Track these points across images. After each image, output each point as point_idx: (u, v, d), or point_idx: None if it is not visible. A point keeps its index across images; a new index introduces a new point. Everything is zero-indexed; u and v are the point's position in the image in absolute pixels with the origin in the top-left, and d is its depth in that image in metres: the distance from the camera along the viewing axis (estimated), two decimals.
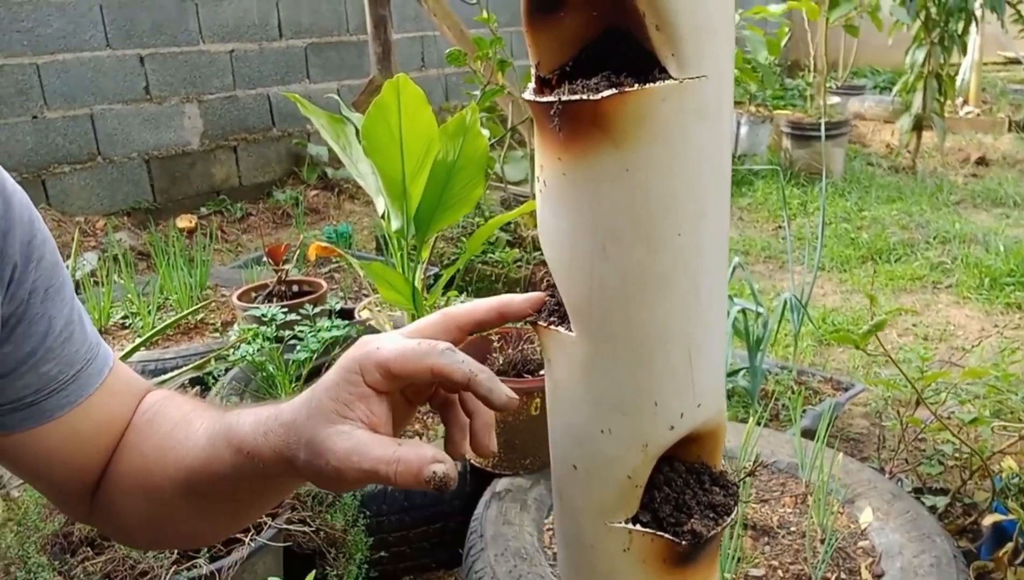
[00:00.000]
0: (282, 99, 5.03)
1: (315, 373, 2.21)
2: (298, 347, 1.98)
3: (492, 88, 2.56)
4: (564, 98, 0.53)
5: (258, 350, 1.90)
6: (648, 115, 0.52)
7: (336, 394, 0.51)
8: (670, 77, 0.51)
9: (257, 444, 0.54)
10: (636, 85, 0.51)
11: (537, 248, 3.20)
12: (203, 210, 4.59)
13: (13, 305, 0.57)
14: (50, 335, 0.59)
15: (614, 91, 0.51)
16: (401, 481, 0.48)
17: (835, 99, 5.97)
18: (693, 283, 0.57)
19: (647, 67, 0.54)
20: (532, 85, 0.59)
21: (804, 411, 2.07)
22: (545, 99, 0.55)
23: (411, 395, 0.57)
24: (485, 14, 2.60)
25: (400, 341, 0.53)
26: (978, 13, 5.17)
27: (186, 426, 0.61)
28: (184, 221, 4.26)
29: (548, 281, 0.66)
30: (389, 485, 0.51)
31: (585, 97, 0.52)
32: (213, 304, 2.70)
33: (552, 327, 0.63)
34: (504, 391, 0.53)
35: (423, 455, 0.48)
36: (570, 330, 0.60)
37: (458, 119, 1.96)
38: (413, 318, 2.19)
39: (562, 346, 0.61)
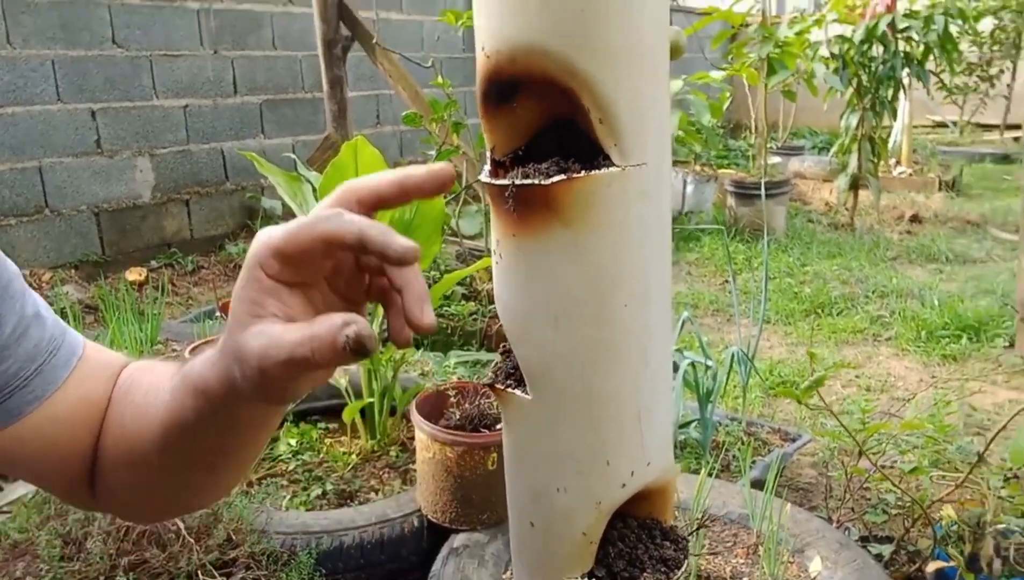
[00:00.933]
0: (236, 153, 5.04)
1: None
2: None
3: (447, 148, 2.62)
4: (517, 182, 0.58)
5: None
6: (594, 199, 0.57)
7: (244, 295, 0.49)
8: (613, 164, 0.56)
9: (205, 378, 0.52)
10: (583, 172, 0.57)
11: (492, 301, 3.24)
12: (153, 263, 4.53)
13: None
14: (1, 335, 0.58)
15: (563, 177, 0.56)
16: (320, 358, 0.45)
17: (776, 159, 6.23)
18: (641, 350, 0.62)
19: (593, 153, 0.59)
20: (488, 167, 0.64)
21: (754, 462, 2.12)
22: (500, 182, 0.59)
23: (346, 291, 0.53)
24: (440, 78, 2.68)
25: (293, 223, 0.49)
26: (905, 81, 5.49)
27: (156, 388, 0.60)
28: (134, 274, 4.20)
29: (505, 346, 0.69)
30: (313, 370, 0.47)
31: (537, 182, 0.57)
32: (164, 359, 2.66)
33: (510, 390, 0.66)
34: (400, 241, 0.47)
35: (333, 323, 0.44)
36: (527, 393, 0.64)
37: None
38: (369, 372, 2.20)
39: (519, 408, 0.65)
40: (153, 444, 0.59)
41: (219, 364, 0.51)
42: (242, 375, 0.48)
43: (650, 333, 0.61)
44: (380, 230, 0.46)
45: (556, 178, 0.57)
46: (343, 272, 0.52)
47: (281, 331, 0.46)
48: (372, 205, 0.51)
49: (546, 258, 0.61)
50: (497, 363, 0.69)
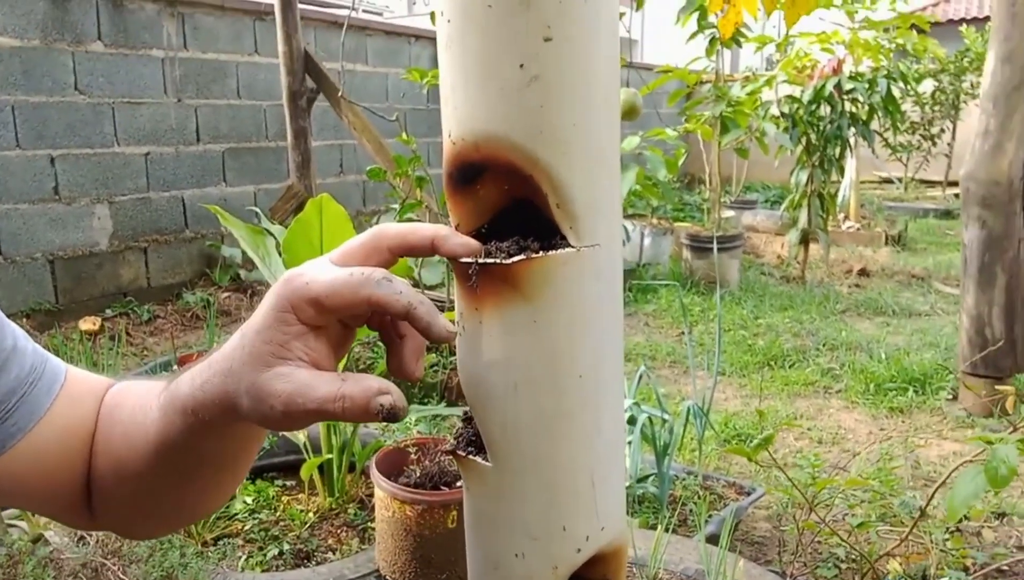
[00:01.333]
0: (197, 201, 5.02)
1: None
2: None
3: (411, 202, 2.66)
4: (481, 261, 0.61)
5: None
6: (552, 276, 0.60)
7: (270, 336, 0.49)
8: (570, 245, 0.61)
9: (197, 399, 0.53)
10: (541, 252, 0.60)
11: (453, 353, 3.25)
12: (108, 312, 4.46)
13: None
14: None
15: (523, 257, 0.60)
16: (349, 415, 0.47)
17: (729, 213, 6.41)
18: (595, 418, 0.65)
19: (550, 233, 0.64)
20: None
21: (710, 516, 2.15)
22: (464, 260, 0.63)
23: (349, 320, 0.55)
24: (404, 134, 2.74)
25: (331, 272, 0.50)
26: (852, 140, 5.74)
27: (144, 406, 0.60)
28: (87, 323, 4.12)
29: (467, 413, 0.72)
30: (341, 421, 0.49)
31: (498, 261, 0.60)
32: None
33: (471, 457, 0.69)
34: (444, 325, 0.51)
35: (368, 387, 0.47)
36: (487, 460, 0.67)
37: None
38: (328, 427, 2.19)
39: (480, 475, 0.67)
40: (145, 461, 0.59)
41: (217, 387, 0.51)
42: (254, 408, 0.49)
43: (603, 402, 0.65)
44: (427, 310, 0.50)
45: (517, 258, 0.61)
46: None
47: (310, 380, 0.48)
48: (401, 253, 0.56)
49: (507, 331, 0.64)
50: (458, 430, 0.72)
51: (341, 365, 0.58)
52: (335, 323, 0.54)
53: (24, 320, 4.08)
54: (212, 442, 0.57)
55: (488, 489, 0.67)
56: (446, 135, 0.65)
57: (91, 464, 0.64)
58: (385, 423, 0.48)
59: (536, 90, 0.59)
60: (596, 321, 0.64)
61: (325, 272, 0.50)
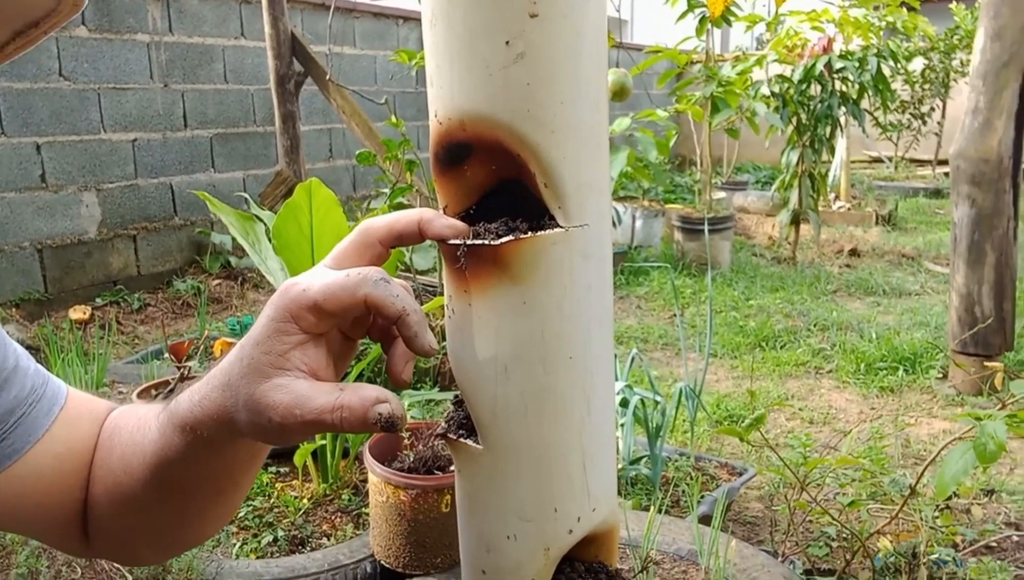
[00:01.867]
0: (185, 187, 4.98)
1: None
2: None
3: (401, 186, 2.65)
4: (469, 242, 0.61)
5: None
6: (541, 257, 0.60)
7: (269, 346, 0.48)
8: (558, 225, 0.60)
9: (196, 416, 0.52)
10: (530, 232, 0.60)
11: (445, 338, 3.25)
12: (98, 301, 4.43)
13: None
14: None
15: (511, 237, 0.60)
16: (348, 426, 0.47)
17: (720, 194, 6.41)
18: (585, 399, 0.65)
19: (539, 213, 0.63)
20: None
21: (702, 497, 2.16)
22: (453, 242, 0.62)
23: (348, 330, 0.55)
24: (394, 117, 2.72)
25: (327, 276, 0.50)
26: (842, 119, 5.73)
27: (143, 428, 0.60)
28: (77, 312, 4.10)
29: (457, 397, 0.72)
30: (339, 432, 0.49)
31: (487, 242, 0.60)
32: (112, 402, 2.60)
33: (462, 440, 0.69)
34: (430, 340, 0.51)
35: (366, 397, 0.47)
36: (478, 443, 0.66)
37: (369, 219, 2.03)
38: None
39: (471, 458, 0.67)
40: (143, 483, 0.59)
41: (215, 402, 0.51)
42: (251, 422, 0.49)
43: (594, 383, 0.65)
44: (418, 319, 0.50)
45: (505, 238, 0.61)
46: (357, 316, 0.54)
47: (308, 391, 0.47)
48: (391, 243, 0.55)
49: (496, 313, 0.64)
50: (449, 413, 0.72)
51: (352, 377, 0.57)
52: (336, 334, 0.54)
53: (13, 310, 4.06)
54: (210, 461, 0.56)
55: (479, 471, 0.67)
56: (432, 115, 0.64)
57: (88, 489, 0.63)
58: (384, 432, 0.47)
59: (522, 68, 0.58)
60: (585, 302, 0.63)
61: (321, 277, 0.50)
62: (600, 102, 0.62)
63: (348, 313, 0.50)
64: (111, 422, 0.66)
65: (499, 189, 0.68)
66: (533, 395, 0.63)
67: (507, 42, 0.58)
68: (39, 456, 0.60)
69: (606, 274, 0.66)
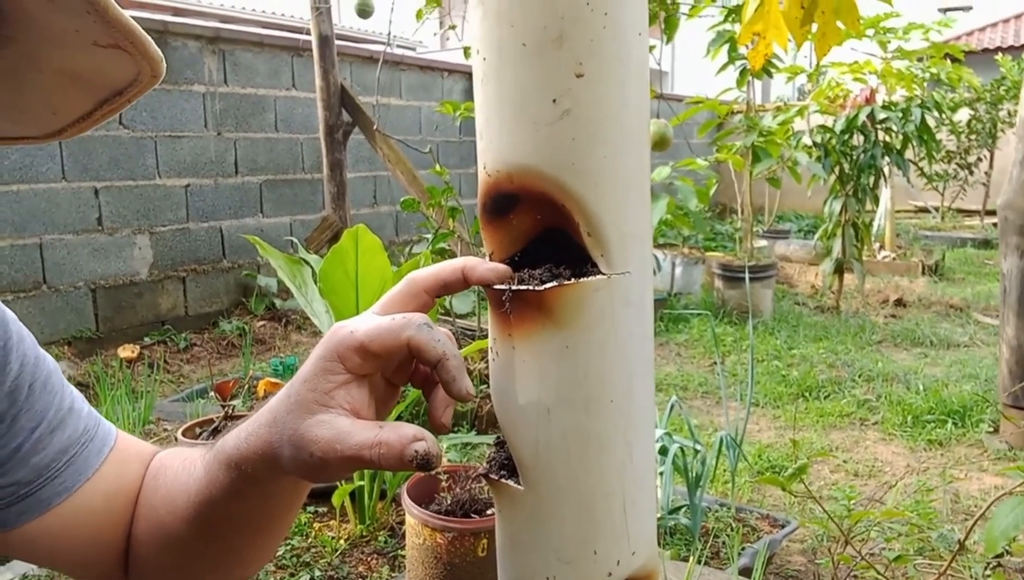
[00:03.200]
0: (234, 231, 5.13)
1: None
2: None
3: (443, 232, 2.70)
4: (514, 288, 0.63)
5: None
6: (583, 303, 0.62)
7: (315, 384, 0.51)
8: (600, 273, 0.62)
9: (241, 452, 0.54)
10: (573, 279, 0.62)
11: (484, 381, 3.27)
12: (147, 340, 4.55)
13: None
14: (38, 428, 0.60)
15: (555, 283, 0.62)
16: (385, 463, 0.48)
17: (762, 242, 6.37)
18: (626, 443, 0.66)
19: (582, 260, 0.65)
20: None
21: (743, 548, 2.12)
22: (498, 287, 0.65)
23: (392, 376, 0.57)
24: (438, 166, 2.79)
25: (374, 319, 0.52)
26: (886, 169, 5.69)
27: (189, 467, 0.61)
28: (126, 351, 4.21)
29: (499, 437, 0.74)
30: (376, 469, 0.52)
31: (531, 288, 0.62)
32: (156, 440, 2.66)
33: (503, 480, 0.70)
34: (467, 385, 0.53)
35: (404, 435, 0.48)
36: (519, 484, 0.68)
37: (412, 264, 2.08)
38: None
39: (512, 498, 0.68)
40: (186, 522, 0.60)
41: (262, 439, 0.53)
42: (294, 457, 0.50)
43: (635, 427, 0.66)
44: (457, 365, 0.52)
45: (549, 284, 0.63)
46: (401, 361, 0.56)
47: (349, 427, 0.49)
48: (437, 293, 0.58)
49: (539, 356, 0.66)
50: (491, 454, 0.73)
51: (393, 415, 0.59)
52: (380, 379, 0.56)
53: (65, 347, 4.19)
54: (253, 499, 0.58)
55: (520, 512, 0.68)
56: (481, 167, 0.67)
57: (132, 528, 0.65)
58: (421, 471, 0.49)
59: (568, 124, 0.61)
60: (627, 346, 0.65)
61: (368, 321, 0.52)
62: (643, 155, 0.65)
63: (392, 355, 0.52)
64: (157, 462, 0.68)
65: (543, 237, 0.71)
66: (575, 437, 0.65)
67: (554, 100, 0.61)
68: (88, 495, 0.63)
69: (647, 321, 0.68)
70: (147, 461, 0.69)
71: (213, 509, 0.58)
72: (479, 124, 0.67)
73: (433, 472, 1.88)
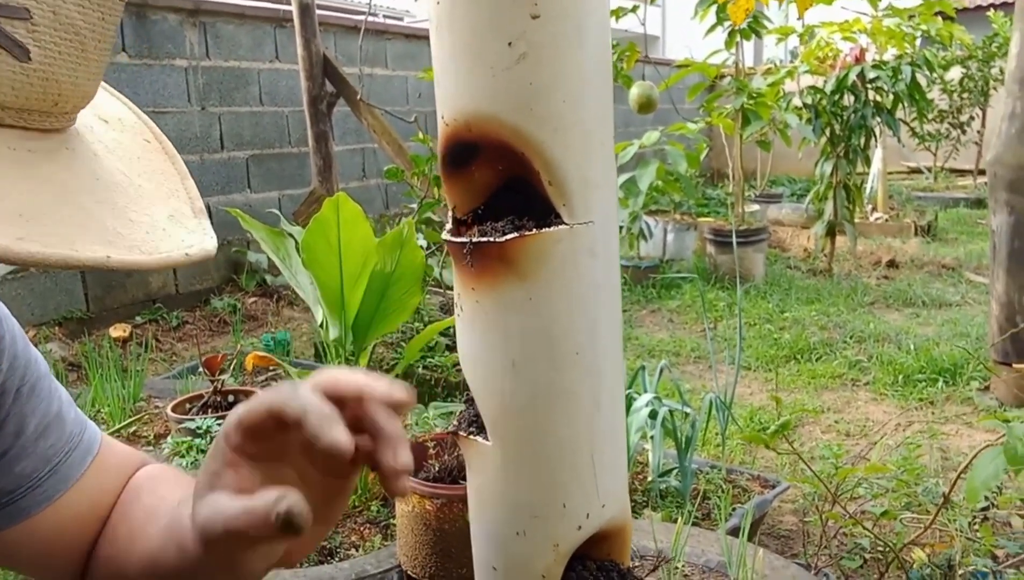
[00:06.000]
0: (222, 208, 5.08)
1: None
2: None
3: (429, 201, 2.68)
4: (475, 240, 0.62)
5: (191, 463, 1.89)
6: (546, 254, 0.61)
7: (207, 466, 0.50)
8: (563, 223, 0.61)
9: (184, 534, 0.53)
10: (535, 229, 0.61)
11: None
12: (138, 319, 4.54)
13: None
14: (23, 435, 0.59)
15: (516, 234, 0.61)
16: (255, 531, 0.45)
17: (754, 207, 6.35)
18: (593, 395, 0.65)
19: (545, 212, 0.64)
20: (449, 226, 0.68)
21: (733, 509, 2.13)
22: (459, 239, 0.63)
23: (322, 463, 0.52)
24: (422, 133, 2.76)
25: (260, 395, 0.50)
26: (877, 130, 5.65)
27: (155, 516, 0.60)
28: (118, 331, 4.19)
29: (468, 394, 0.73)
30: (253, 543, 0.48)
31: (492, 239, 0.61)
32: (146, 416, 2.66)
33: (472, 437, 0.69)
34: (333, 437, 0.45)
35: (268, 498, 0.44)
36: (487, 439, 0.67)
37: (396, 233, 2.05)
38: None
39: (480, 454, 0.68)
40: (136, 574, 0.60)
41: (187, 517, 0.52)
42: (196, 539, 0.50)
43: (601, 379, 0.65)
44: (318, 418, 0.45)
45: (510, 235, 0.62)
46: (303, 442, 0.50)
47: (225, 502, 0.47)
48: (332, 398, 0.50)
49: (503, 310, 0.65)
50: (461, 411, 0.72)
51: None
52: (313, 474, 0.52)
53: (56, 328, 4.17)
54: (191, 574, 0.56)
55: (488, 467, 0.67)
56: (439, 117, 0.65)
57: (96, 545, 0.64)
58: (290, 533, 0.45)
59: (525, 68, 0.59)
60: (592, 298, 0.64)
61: (255, 397, 0.50)
62: (604, 99, 0.63)
63: (263, 426, 0.48)
64: (136, 482, 0.67)
65: (507, 189, 0.69)
66: (540, 391, 0.64)
67: (509, 43, 0.59)
68: (64, 506, 0.62)
69: (613, 271, 0.66)
70: (128, 474, 0.67)
71: (162, 576, 0.58)
72: (436, 74, 0.65)
73: (420, 440, 1.87)
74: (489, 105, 0.62)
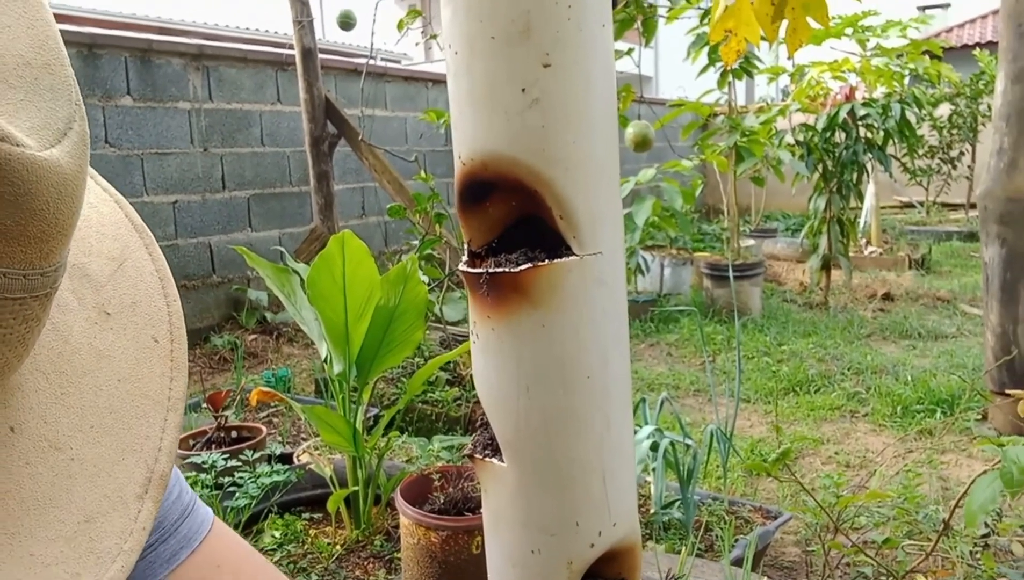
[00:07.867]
0: (224, 246, 5.14)
1: (253, 519, 2.19)
2: (237, 494, 1.98)
3: (430, 238, 2.73)
4: (491, 270, 0.66)
5: (200, 498, 1.90)
6: (558, 283, 0.65)
7: None
8: (573, 254, 0.65)
9: None
10: (547, 260, 0.65)
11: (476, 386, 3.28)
12: None
13: None
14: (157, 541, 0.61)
15: (530, 265, 0.65)
16: None
17: (749, 241, 6.42)
18: (604, 416, 0.69)
19: (556, 245, 0.68)
20: (465, 258, 0.72)
21: (736, 540, 2.14)
22: (475, 270, 0.67)
23: None
24: (423, 172, 2.82)
25: None
26: (869, 165, 5.75)
27: None
28: None
29: (483, 418, 0.76)
30: None
31: (507, 270, 0.65)
32: None
33: (487, 459, 0.73)
34: None
35: None
36: (502, 461, 0.70)
37: (399, 269, 2.10)
38: (354, 460, 2.22)
39: (496, 476, 0.71)
40: None
41: None
42: None
43: (611, 401, 0.69)
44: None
45: (524, 266, 0.66)
46: None
47: None
48: None
49: (517, 336, 0.69)
50: (475, 436, 0.76)
51: None
52: None
53: None
54: None
55: (504, 489, 0.70)
56: (456, 157, 0.70)
57: None
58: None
59: (537, 112, 0.64)
60: (602, 324, 0.68)
61: None
62: (610, 140, 0.68)
63: None
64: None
65: (520, 224, 0.73)
66: (553, 414, 0.67)
67: (523, 89, 0.64)
68: None
69: (620, 299, 0.70)
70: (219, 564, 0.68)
71: None
72: (453, 117, 0.69)
73: (425, 473, 1.89)
74: (504, 146, 0.66)
